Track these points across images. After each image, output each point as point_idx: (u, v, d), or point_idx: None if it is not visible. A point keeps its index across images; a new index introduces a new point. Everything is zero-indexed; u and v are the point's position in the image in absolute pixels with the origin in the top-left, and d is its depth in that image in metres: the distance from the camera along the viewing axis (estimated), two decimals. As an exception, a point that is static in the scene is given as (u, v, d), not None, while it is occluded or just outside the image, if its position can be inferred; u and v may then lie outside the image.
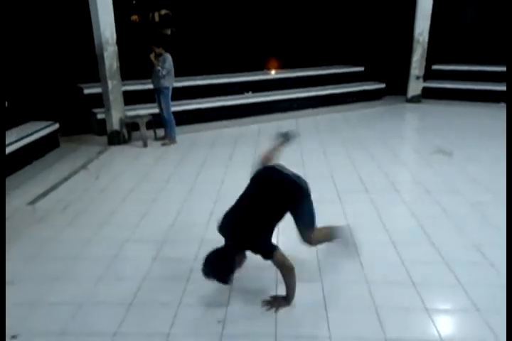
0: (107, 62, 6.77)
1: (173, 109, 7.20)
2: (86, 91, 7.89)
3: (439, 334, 2.66)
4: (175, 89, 7.12)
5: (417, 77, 10.10)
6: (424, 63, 10.02)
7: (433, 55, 10.13)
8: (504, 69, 9.97)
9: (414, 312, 2.87)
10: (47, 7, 7.63)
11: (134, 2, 9.12)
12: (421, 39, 9.78)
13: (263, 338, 2.64)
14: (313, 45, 10.43)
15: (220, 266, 2.73)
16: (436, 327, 2.72)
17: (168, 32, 9.22)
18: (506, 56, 9.94)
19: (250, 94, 9.33)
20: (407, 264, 3.40)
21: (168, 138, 7.14)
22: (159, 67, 6.70)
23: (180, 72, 7.30)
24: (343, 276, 3.18)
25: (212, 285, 3.14)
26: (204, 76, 9.24)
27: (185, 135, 7.45)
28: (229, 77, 9.35)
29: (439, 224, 4.13)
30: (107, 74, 6.83)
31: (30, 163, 6.15)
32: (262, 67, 10.41)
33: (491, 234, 3.91)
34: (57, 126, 7.02)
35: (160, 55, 6.77)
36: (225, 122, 8.48)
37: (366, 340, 2.62)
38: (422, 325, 2.76)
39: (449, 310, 2.94)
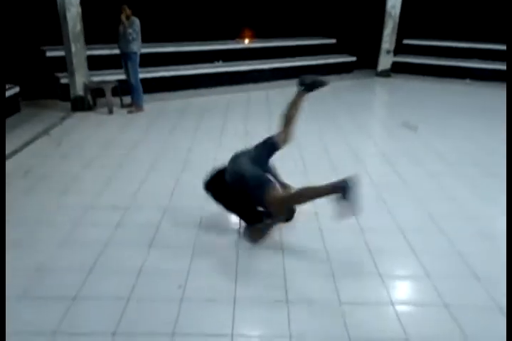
0: (70, 24, 6.48)
1: (141, 75, 7.02)
2: (49, 53, 7.59)
3: (391, 299, 2.78)
4: (143, 55, 6.92)
5: (388, 51, 10.13)
6: (395, 37, 10.04)
7: (404, 29, 10.14)
8: (471, 45, 10.16)
9: (368, 278, 2.98)
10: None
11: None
12: (393, 13, 9.75)
13: (223, 302, 2.70)
14: (286, 15, 10.24)
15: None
16: (388, 292, 2.84)
17: (137, -5, 8.85)
18: (476, 33, 10.09)
19: (220, 63, 9.17)
20: (364, 231, 3.51)
21: (135, 106, 6.98)
22: (130, 30, 6.47)
23: (149, 38, 7.08)
24: (304, 243, 3.25)
25: (173, 252, 3.19)
26: (174, 43, 9.00)
27: (152, 103, 7.30)
28: (199, 45, 9.15)
29: (397, 193, 4.26)
30: (70, 36, 6.55)
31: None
32: (234, 36, 10.19)
33: (446, 203, 4.07)
34: (17, 89, 6.75)
35: (128, 17, 6.53)
36: (194, 91, 8.35)
37: (321, 304, 2.72)
38: (375, 289, 2.88)
39: (401, 276, 3.07)
